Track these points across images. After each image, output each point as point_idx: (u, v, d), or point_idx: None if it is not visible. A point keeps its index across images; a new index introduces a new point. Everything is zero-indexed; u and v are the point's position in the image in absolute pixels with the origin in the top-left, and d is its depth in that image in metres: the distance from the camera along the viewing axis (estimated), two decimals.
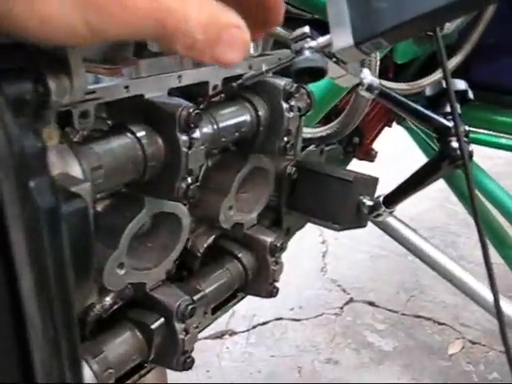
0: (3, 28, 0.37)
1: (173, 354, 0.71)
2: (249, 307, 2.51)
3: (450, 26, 1.47)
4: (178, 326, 0.69)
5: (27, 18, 0.37)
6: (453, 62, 1.51)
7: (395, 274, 2.81)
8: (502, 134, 1.71)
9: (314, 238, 3.05)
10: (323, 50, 0.54)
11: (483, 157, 3.11)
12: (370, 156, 1.75)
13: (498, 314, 0.70)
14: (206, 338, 2.37)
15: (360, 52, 0.52)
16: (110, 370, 0.64)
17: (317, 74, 0.53)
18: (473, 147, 1.60)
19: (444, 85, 0.74)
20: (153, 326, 0.68)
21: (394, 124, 1.80)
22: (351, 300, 2.64)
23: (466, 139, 0.73)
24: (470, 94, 0.77)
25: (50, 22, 0.37)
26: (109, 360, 0.64)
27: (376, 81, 0.70)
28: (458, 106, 0.76)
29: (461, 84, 0.76)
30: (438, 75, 1.48)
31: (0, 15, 0.36)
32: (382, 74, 1.55)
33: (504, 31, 1.63)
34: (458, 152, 0.72)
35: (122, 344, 0.67)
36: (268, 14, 0.54)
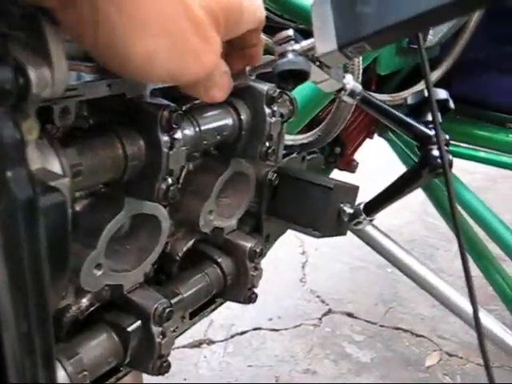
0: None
1: (149, 358, 0.70)
2: (227, 316, 2.50)
3: (432, 40, 1.48)
4: (155, 330, 0.68)
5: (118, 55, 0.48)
6: (434, 76, 1.53)
7: (374, 286, 2.81)
8: (481, 148, 1.72)
9: (293, 248, 3.05)
10: (307, 53, 0.55)
11: (463, 171, 3.15)
12: (350, 167, 1.76)
13: (477, 325, 0.70)
14: (183, 346, 2.35)
15: (343, 56, 0.53)
16: (85, 373, 0.63)
17: (299, 76, 0.53)
18: (452, 159, 1.61)
19: (426, 93, 0.74)
20: (129, 329, 0.67)
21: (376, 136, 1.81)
22: (330, 311, 2.63)
23: (446, 148, 0.74)
24: (451, 104, 0.78)
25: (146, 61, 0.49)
26: (83, 362, 0.63)
27: (358, 86, 0.70)
28: (439, 115, 0.77)
29: (442, 93, 0.77)
30: (420, 87, 1.50)
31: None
32: (365, 86, 1.57)
33: (486, 47, 1.65)
34: (439, 160, 0.73)
35: (97, 346, 0.66)
36: (248, 60, 0.66)
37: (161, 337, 0.69)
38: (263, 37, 1.09)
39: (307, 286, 2.80)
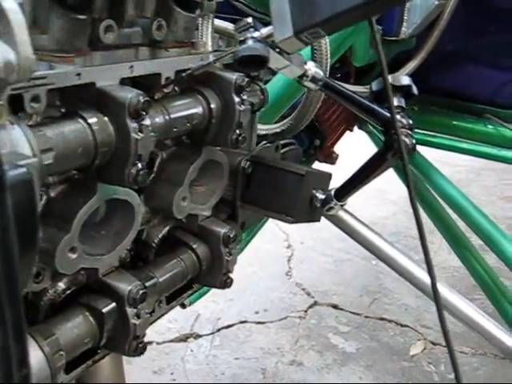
0: None
1: (124, 339, 0.72)
2: (214, 310, 2.53)
3: (406, 31, 1.51)
4: (130, 311, 0.71)
5: None
6: (410, 67, 1.56)
7: (359, 278, 2.84)
8: (459, 139, 1.74)
9: (279, 242, 3.08)
10: (266, 40, 0.57)
11: (446, 163, 3.18)
12: (330, 159, 1.79)
13: (436, 297, 0.73)
14: (170, 340, 2.37)
15: (300, 42, 0.55)
16: (61, 352, 0.65)
17: (259, 62, 0.55)
18: (433, 151, 1.63)
19: (390, 79, 0.77)
20: (104, 310, 0.70)
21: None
22: (315, 303, 2.66)
23: (409, 132, 0.77)
24: (414, 90, 0.81)
25: None
26: (60, 342, 0.66)
27: (320, 73, 0.73)
28: (402, 101, 0.79)
29: (405, 80, 0.80)
30: None
31: None
32: (344, 79, 1.60)
33: (462, 38, 1.68)
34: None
35: (73, 328, 0.68)
36: None
37: (135, 318, 0.71)
38: (229, 25, 1.12)
39: (293, 279, 2.83)
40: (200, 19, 0.98)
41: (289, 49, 0.57)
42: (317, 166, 1.75)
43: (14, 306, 0.43)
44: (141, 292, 0.71)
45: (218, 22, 1.15)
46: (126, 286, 0.71)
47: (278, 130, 0.99)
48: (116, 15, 0.71)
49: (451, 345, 0.70)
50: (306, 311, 2.62)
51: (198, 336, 2.43)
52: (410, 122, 0.78)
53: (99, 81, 0.63)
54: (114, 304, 0.71)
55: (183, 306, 1.29)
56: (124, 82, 0.68)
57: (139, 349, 0.74)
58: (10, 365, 0.45)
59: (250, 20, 0.57)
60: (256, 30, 0.56)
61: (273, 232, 2.95)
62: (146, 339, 0.75)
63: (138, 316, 0.72)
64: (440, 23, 1.54)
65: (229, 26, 1.15)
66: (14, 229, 0.41)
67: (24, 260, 0.44)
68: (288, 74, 0.66)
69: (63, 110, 0.65)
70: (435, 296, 0.70)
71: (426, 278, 1.33)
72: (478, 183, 3.91)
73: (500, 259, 1.48)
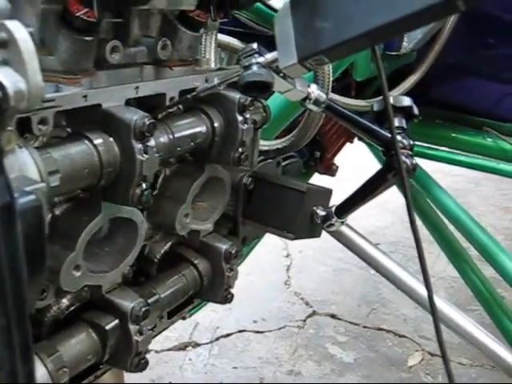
0: None
1: (127, 355, 0.73)
2: (212, 319, 2.53)
3: (406, 46, 1.53)
4: (132, 328, 0.72)
5: None
6: (411, 81, 1.57)
7: (357, 288, 2.85)
8: (459, 151, 1.75)
9: (278, 251, 3.08)
10: (270, 65, 0.58)
11: (445, 173, 3.19)
12: (330, 170, 1.79)
13: (432, 308, 0.74)
14: (169, 349, 2.38)
15: (303, 68, 0.56)
16: (65, 369, 0.66)
17: (263, 87, 0.56)
18: (431, 163, 1.64)
19: (391, 100, 0.78)
20: (107, 327, 0.71)
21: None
22: (314, 313, 2.67)
23: (410, 152, 0.78)
24: (415, 110, 0.82)
25: None
26: (63, 359, 0.66)
27: (323, 95, 0.74)
28: (403, 121, 0.80)
29: (406, 101, 0.81)
30: (396, 92, 1.54)
31: None
32: (345, 92, 1.61)
33: (463, 52, 1.69)
34: (403, 164, 0.76)
35: (76, 344, 0.69)
36: None
37: (138, 335, 0.72)
38: (237, 43, 1.13)
39: (291, 289, 2.83)
40: (204, 35, 0.99)
41: (292, 74, 0.58)
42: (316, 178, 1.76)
43: (21, 328, 0.44)
44: (143, 309, 0.72)
45: (221, 37, 1.16)
46: (129, 303, 0.72)
47: (280, 147, 1.00)
48: (122, 35, 0.73)
49: (447, 356, 0.71)
50: (304, 321, 2.63)
51: (197, 345, 2.43)
52: (411, 142, 0.79)
53: (105, 102, 0.64)
54: (116, 321, 0.72)
55: (183, 317, 1.30)
56: (129, 101, 0.69)
57: (141, 365, 0.75)
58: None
59: (254, 46, 0.58)
60: (261, 55, 0.57)
61: (272, 241, 2.96)
62: None
63: (140, 332, 0.73)
64: (441, 37, 1.55)
65: (231, 40, 1.16)
66: (23, 254, 0.42)
67: (32, 283, 0.45)
68: (291, 97, 0.67)
69: (69, 130, 0.66)
70: (432, 309, 0.71)
71: (423, 291, 1.34)
72: (476, 193, 3.93)
73: (497, 272, 1.49)
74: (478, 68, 1.71)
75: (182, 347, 2.41)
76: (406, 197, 0.64)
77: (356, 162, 2.40)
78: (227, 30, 1.18)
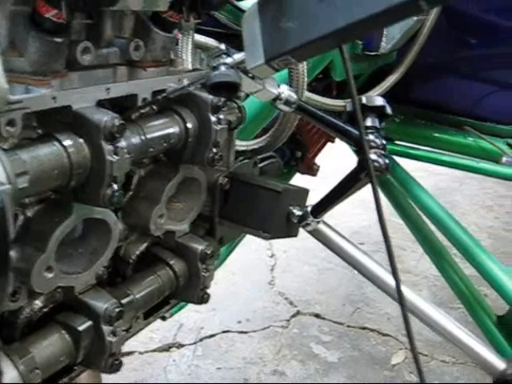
0: None
1: (101, 356, 0.73)
2: (196, 320, 2.53)
3: (385, 46, 1.54)
4: (106, 329, 0.72)
5: None
6: (390, 81, 1.58)
7: (341, 287, 2.86)
8: (439, 151, 1.76)
9: (262, 251, 3.09)
10: (239, 66, 0.59)
11: (429, 172, 3.20)
12: (312, 170, 1.80)
13: (400, 299, 0.75)
14: (153, 350, 2.37)
15: (271, 68, 0.57)
16: (37, 371, 0.66)
17: (230, 88, 0.57)
18: (414, 163, 1.65)
19: (364, 100, 0.78)
20: (80, 328, 0.70)
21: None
22: (298, 312, 2.68)
23: (382, 152, 0.78)
24: (388, 110, 0.82)
25: None
26: (36, 361, 0.66)
27: (293, 96, 0.74)
28: (376, 121, 0.81)
29: (379, 100, 0.81)
30: (376, 91, 1.55)
31: None
32: (326, 92, 1.61)
33: (444, 52, 1.70)
34: (375, 164, 0.77)
35: (49, 346, 0.69)
36: None
37: (111, 335, 0.72)
38: (215, 44, 1.13)
39: (276, 289, 2.84)
40: (180, 35, 0.99)
41: (261, 74, 0.59)
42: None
43: None
44: (117, 310, 0.72)
45: (200, 37, 1.16)
46: (102, 304, 0.72)
47: (256, 147, 1.01)
48: (93, 36, 0.73)
49: (415, 349, 0.72)
50: (288, 320, 2.63)
51: (181, 346, 2.43)
52: (384, 142, 0.79)
53: (75, 103, 0.64)
54: (90, 322, 0.71)
55: (163, 318, 1.29)
56: (102, 102, 0.69)
57: (115, 365, 0.75)
58: None
59: (223, 46, 0.58)
60: (229, 56, 0.58)
61: (256, 241, 2.96)
62: (128, 349, 0.76)
63: (114, 333, 0.73)
64: (420, 37, 1.56)
65: (209, 40, 1.16)
66: None
67: None
68: (262, 97, 0.68)
69: (39, 131, 0.65)
70: (400, 299, 0.72)
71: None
72: (460, 192, 3.95)
73: (476, 271, 1.50)
74: (457, 68, 1.73)
75: (166, 348, 2.40)
76: (375, 195, 0.65)
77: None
78: (209, 30, 1.18)
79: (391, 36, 1.52)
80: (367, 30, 0.58)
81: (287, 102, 0.74)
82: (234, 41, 0.79)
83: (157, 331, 2.42)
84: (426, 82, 1.81)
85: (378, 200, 0.64)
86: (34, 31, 0.63)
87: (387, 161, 0.79)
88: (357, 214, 3.37)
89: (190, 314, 2.46)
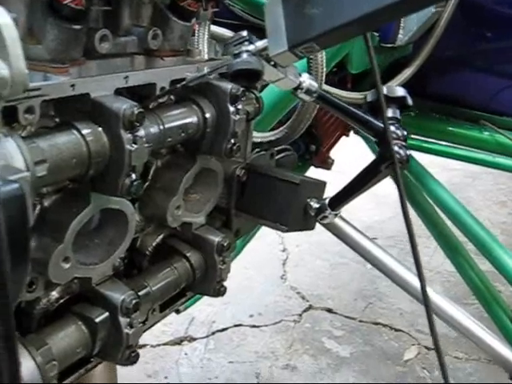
0: None
1: (117, 348, 0.72)
2: (208, 313, 2.53)
3: (402, 38, 1.52)
4: (123, 321, 0.71)
5: None
6: (406, 73, 1.56)
7: (354, 282, 2.85)
8: (455, 145, 1.74)
9: (274, 245, 3.08)
10: (261, 53, 0.57)
11: (443, 168, 3.18)
12: (326, 164, 1.79)
13: (425, 300, 0.73)
14: (165, 343, 2.37)
15: (294, 56, 0.55)
16: (54, 362, 0.65)
17: (253, 75, 0.55)
18: (428, 157, 1.63)
19: (385, 91, 0.77)
20: (97, 320, 0.70)
21: None
22: (310, 307, 2.67)
23: (403, 143, 0.77)
24: (409, 101, 0.81)
25: None
26: (52, 352, 0.66)
27: (315, 85, 0.73)
28: (397, 112, 0.79)
29: (400, 91, 0.80)
30: (393, 84, 1.53)
31: None
32: (341, 85, 1.60)
33: (460, 45, 1.68)
34: (397, 155, 0.76)
35: (66, 337, 0.68)
36: None
37: (128, 327, 0.71)
38: (226, 32, 1.12)
39: (288, 283, 2.83)
40: (196, 26, 0.98)
41: (283, 62, 0.57)
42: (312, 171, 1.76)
43: (4, 319, 0.43)
44: (134, 301, 0.71)
45: (215, 28, 1.15)
46: (119, 295, 0.71)
47: (273, 138, 0.99)
48: (111, 24, 0.72)
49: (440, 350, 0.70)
50: (300, 315, 2.62)
51: (193, 339, 2.43)
52: (405, 133, 0.78)
53: (94, 92, 0.63)
54: (107, 313, 0.71)
55: (177, 311, 1.29)
56: (120, 90, 0.68)
57: (132, 358, 0.74)
58: (1, 378, 0.45)
59: (244, 33, 0.57)
60: (251, 43, 0.57)
61: (268, 235, 2.95)
62: (140, 342, 0.75)
63: (130, 325, 0.72)
64: (436, 30, 1.54)
65: (226, 32, 1.15)
66: (6, 244, 0.41)
67: (16, 274, 0.44)
68: (282, 86, 0.66)
69: (57, 120, 0.65)
70: (425, 300, 0.71)
71: (416, 283, 1.33)
72: (474, 187, 3.92)
73: (493, 266, 1.48)
74: (474, 61, 1.71)
75: (178, 342, 2.40)
76: (398, 187, 0.63)
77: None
78: (223, 22, 1.17)
79: (408, 28, 1.50)
80: (393, 17, 0.56)
81: (308, 91, 0.73)
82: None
83: (169, 325, 2.42)
84: (442, 76, 1.78)
85: (401, 192, 0.63)
86: (52, 18, 0.62)
87: (408, 152, 0.77)
88: (370, 209, 3.36)
89: (202, 308, 2.46)
